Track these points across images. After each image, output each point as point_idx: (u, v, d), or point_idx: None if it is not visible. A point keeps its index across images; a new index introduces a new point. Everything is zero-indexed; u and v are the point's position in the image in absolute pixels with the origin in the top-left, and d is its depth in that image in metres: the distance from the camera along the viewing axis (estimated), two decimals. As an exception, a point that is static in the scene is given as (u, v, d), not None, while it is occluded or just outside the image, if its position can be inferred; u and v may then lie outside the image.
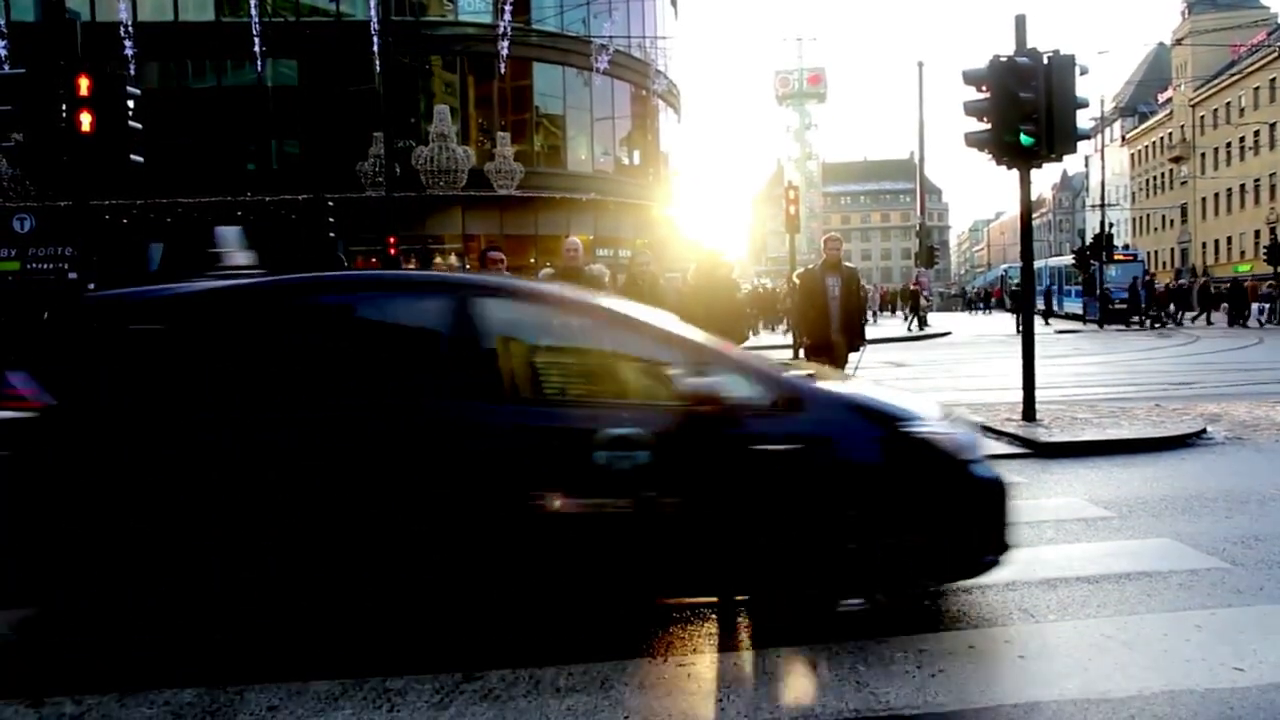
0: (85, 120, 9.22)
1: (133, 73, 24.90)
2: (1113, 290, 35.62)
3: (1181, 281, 48.15)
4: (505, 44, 28.98)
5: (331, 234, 22.21)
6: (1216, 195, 65.31)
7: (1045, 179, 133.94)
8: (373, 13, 27.58)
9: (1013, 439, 8.81)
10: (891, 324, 38.92)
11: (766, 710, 3.40)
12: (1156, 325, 33.71)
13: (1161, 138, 76.15)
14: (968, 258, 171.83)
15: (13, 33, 26.14)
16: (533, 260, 28.29)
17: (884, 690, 3.51)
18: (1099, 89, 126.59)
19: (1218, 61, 64.74)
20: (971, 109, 9.67)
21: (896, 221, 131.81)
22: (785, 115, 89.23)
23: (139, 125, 9.79)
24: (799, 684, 3.66)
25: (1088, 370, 17.62)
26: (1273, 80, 57.94)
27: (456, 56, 30.86)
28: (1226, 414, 10.20)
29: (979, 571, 4.28)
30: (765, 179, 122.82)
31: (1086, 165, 78.73)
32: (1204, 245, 67.72)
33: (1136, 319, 34.56)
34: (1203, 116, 66.84)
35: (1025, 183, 9.86)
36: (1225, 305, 35.65)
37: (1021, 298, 10.62)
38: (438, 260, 30.92)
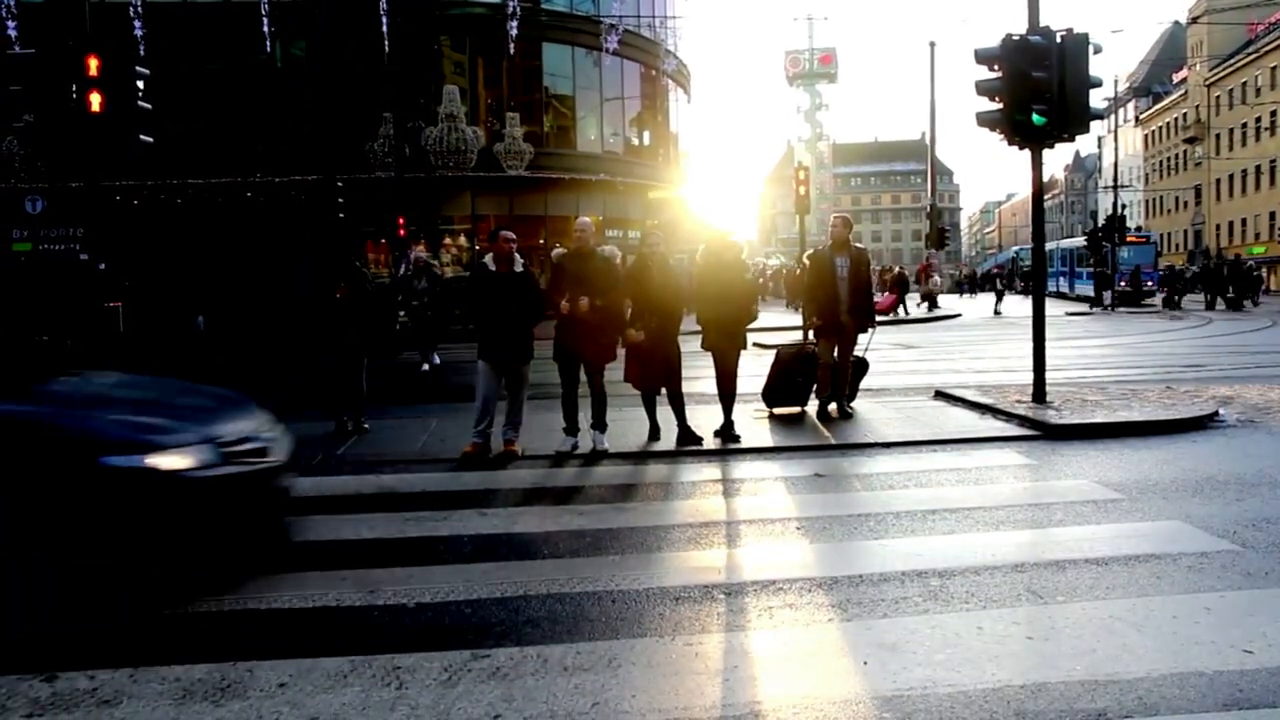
0: (95, 100, 9.20)
1: (142, 53, 24.84)
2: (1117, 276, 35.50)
3: (1226, 261, 44.72)
4: (514, 24, 28.79)
5: (341, 215, 22.16)
6: (1231, 176, 64.64)
7: (1057, 160, 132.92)
8: (382, -8, 27.42)
9: (1023, 421, 8.78)
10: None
11: (773, 689, 3.42)
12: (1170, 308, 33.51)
13: (1176, 118, 75.33)
14: (979, 239, 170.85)
15: (22, 13, 26.08)
16: (543, 241, 28.23)
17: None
18: (1113, 68, 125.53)
19: (1234, 40, 63.92)
20: (983, 88, 9.58)
21: (907, 203, 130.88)
22: (796, 95, 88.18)
23: (148, 105, 9.77)
24: (803, 666, 3.67)
25: (1098, 352, 17.50)
26: (1290, 59, 57.23)
27: (466, 36, 30.70)
28: (1239, 397, 10.12)
29: None
30: (775, 160, 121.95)
31: (1099, 146, 77.83)
32: (1218, 227, 67.10)
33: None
34: (1218, 96, 66.04)
35: (1037, 163, 9.79)
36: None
37: (1033, 278, 10.56)
38: (447, 241, 30.91)
